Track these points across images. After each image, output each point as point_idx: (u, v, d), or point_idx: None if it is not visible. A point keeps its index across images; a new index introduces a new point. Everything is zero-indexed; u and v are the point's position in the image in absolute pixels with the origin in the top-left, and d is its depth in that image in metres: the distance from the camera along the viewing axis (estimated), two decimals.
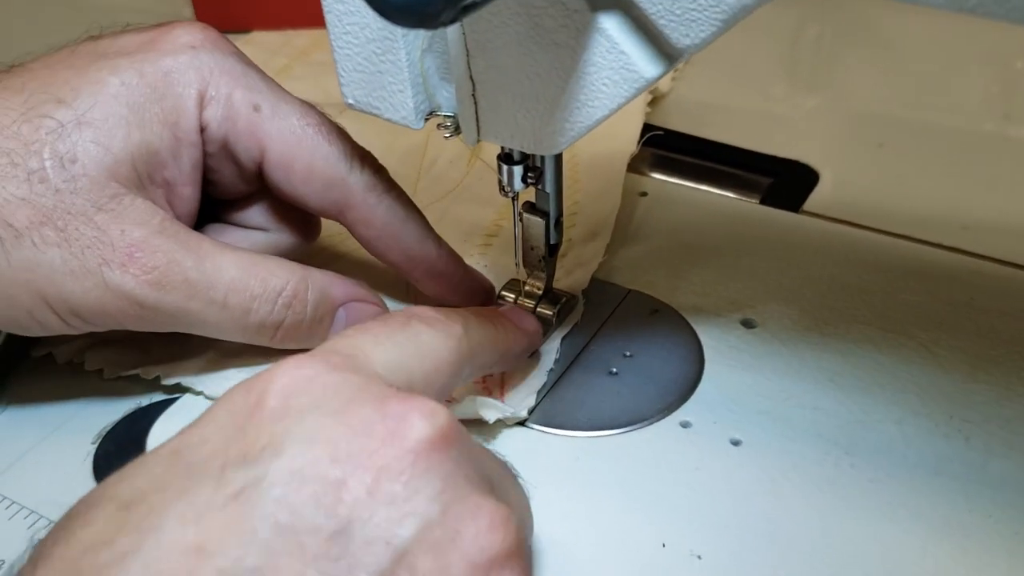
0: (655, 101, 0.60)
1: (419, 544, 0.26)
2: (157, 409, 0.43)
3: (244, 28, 0.72)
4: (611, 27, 0.31)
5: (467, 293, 0.45)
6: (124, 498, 0.27)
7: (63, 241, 0.37)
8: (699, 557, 0.36)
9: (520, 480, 0.34)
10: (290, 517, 0.26)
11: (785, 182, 0.55)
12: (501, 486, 0.32)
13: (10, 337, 0.46)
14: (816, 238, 0.51)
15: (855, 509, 0.38)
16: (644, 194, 0.54)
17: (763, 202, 0.54)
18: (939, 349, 0.44)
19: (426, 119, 0.38)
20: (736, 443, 0.40)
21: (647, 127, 0.57)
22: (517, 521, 0.29)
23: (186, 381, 0.44)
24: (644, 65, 0.32)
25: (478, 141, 0.37)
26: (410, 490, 0.27)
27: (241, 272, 0.40)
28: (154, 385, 0.44)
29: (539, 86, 0.34)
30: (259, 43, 0.69)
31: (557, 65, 0.33)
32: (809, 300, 0.47)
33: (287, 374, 0.28)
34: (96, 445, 0.42)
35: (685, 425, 0.41)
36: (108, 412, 0.43)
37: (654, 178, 0.57)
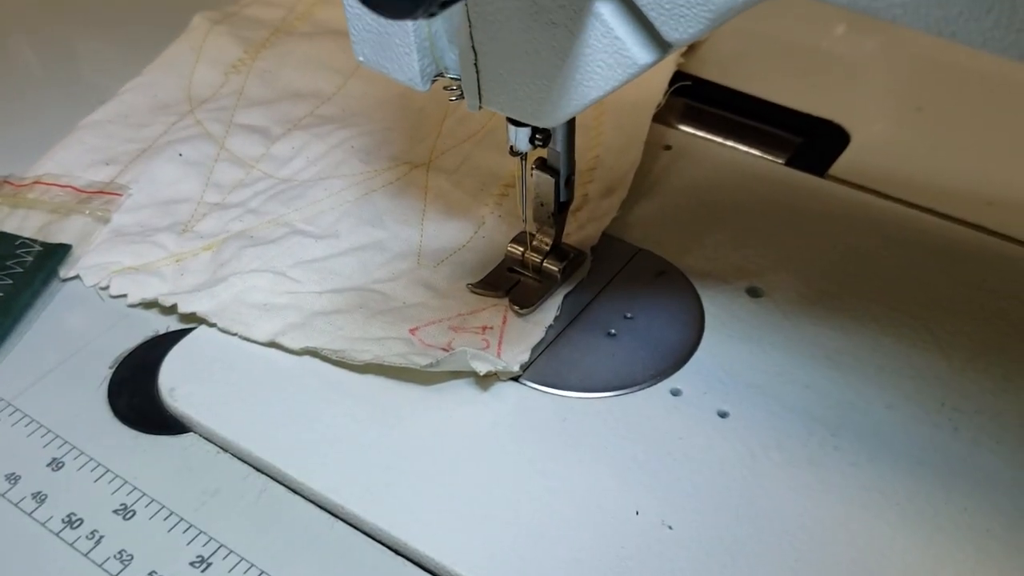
0: (691, 49, 0.58)
1: None
2: (172, 338, 0.45)
3: None
4: (606, 12, 0.31)
5: None
6: None
7: None
8: (670, 527, 0.37)
9: None
10: None
11: (815, 142, 0.54)
12: None
13: (41, 258, 0.48)
14: (837, 205, 0.50)
15: (831, 492, 0.38)
16: (668, 147, 0.54)
17: (790, 163, 0.53)
18: (941, 332, 0.44)
19: (433, 80, 0.38)
20: (723, 415, 0.41)
21: (679, 75, 0.56)
22: None
23: (201, 312, 0.46)
24: (638, 51, 0.31)
25: (480, 108, 0.37)
26: None
27: None
28: (172, 313, 0.46)
29: (537, 63, 0.33)
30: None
31: (554, 44, 0.32)
32: (819, 271, 0.47)
33: None
34: (112, 371, 0.44)
35: (675, 393, 0.42)
36: (126, 338, 0.45)
37: (680, 130, 0.56)
